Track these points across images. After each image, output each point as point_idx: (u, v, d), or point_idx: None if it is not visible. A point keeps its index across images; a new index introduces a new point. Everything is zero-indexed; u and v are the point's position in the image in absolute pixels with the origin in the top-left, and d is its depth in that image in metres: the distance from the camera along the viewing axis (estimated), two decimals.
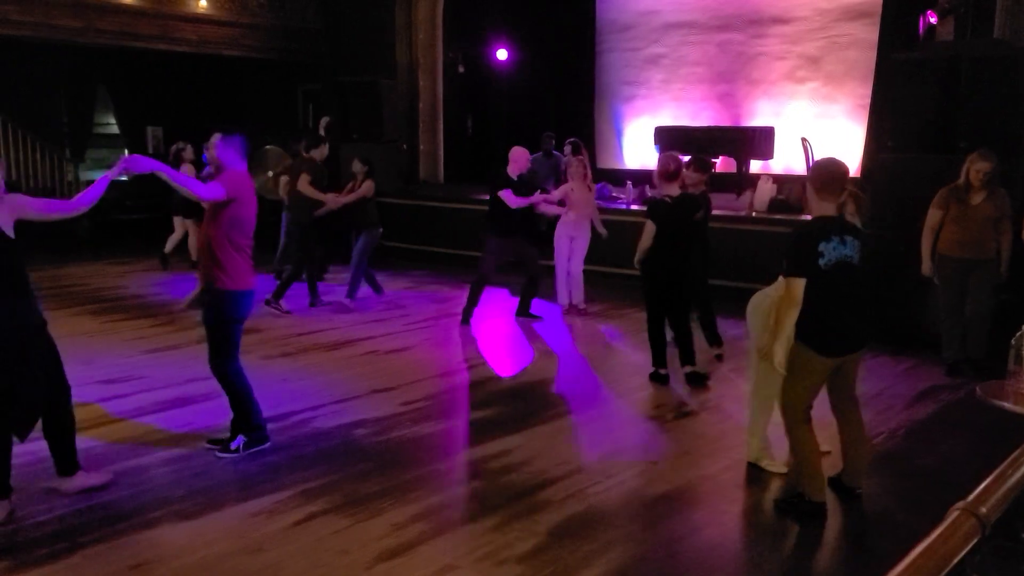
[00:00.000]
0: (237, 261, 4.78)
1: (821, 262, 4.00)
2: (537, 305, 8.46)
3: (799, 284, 3.98)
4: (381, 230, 9.06)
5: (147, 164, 4.47)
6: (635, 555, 3.87)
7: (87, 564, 3.70)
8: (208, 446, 4.99)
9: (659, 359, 6.47)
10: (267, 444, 5.01)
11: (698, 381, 6.41)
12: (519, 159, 8.10)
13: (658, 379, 6.45)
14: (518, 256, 8.27)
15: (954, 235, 6.49)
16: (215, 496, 4.37)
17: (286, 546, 3.87)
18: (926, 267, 6.64)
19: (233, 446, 4.91)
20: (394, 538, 3.94)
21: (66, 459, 4.35)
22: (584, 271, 8.65)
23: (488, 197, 8.29)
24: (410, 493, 4.42)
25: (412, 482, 4.57)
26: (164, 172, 4.52)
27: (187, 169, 9.91)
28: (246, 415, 4.95)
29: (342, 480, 4.58)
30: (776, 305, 4.17)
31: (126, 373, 6.50)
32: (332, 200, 8.78)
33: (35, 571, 3.63)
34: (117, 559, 3.73)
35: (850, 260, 4.09)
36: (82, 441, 4.65)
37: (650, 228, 6.25)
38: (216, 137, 4.99)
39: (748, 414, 4.91)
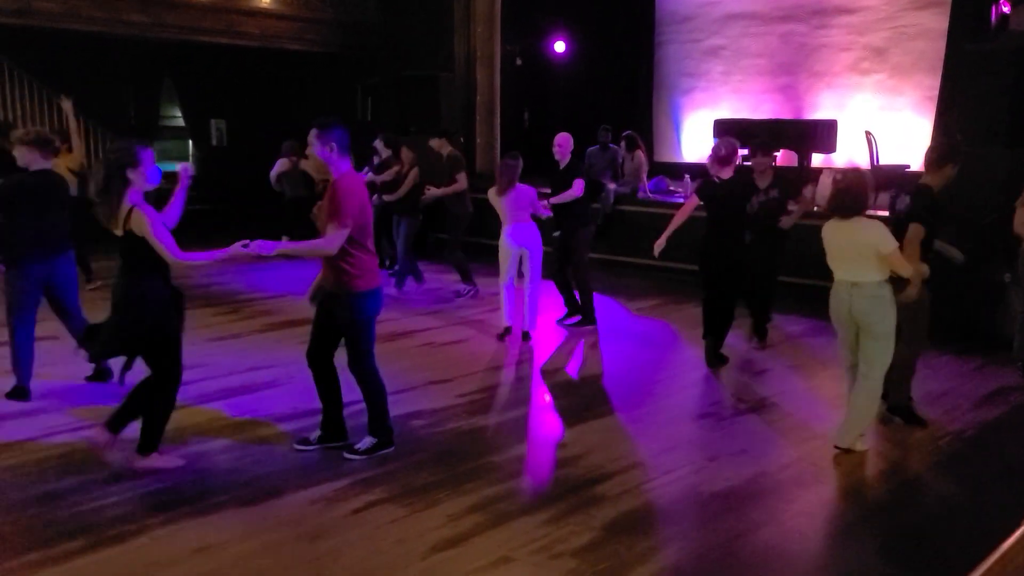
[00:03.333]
0: (364, 261, 4.67)
1: None
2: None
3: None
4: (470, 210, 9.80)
5: (270, 247, 4.32)
6: (691, 553, 3.84)
7: (154, 545, 3.81)
8: (299, 447, 4.89)
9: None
10: (391, 448, 4.86)
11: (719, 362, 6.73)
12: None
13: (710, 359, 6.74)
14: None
15: None
16: (276, 483, 4.46)
17: (344, 534, 3.94)
18: None
19: (361, 447, 4.82)
20: (450, 528, 3.98)
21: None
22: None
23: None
24: (466, 484, 4.46)
25: (468, 473, 4.61)
26: (286, 248, 4.59)
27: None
28: (380, 415, 4.87)
29: (399, 470, 4.63)
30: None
31: (190, 361, 6.53)
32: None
33: (105, 551, 3.74)
34: (182, 542, 3.83)
35: None
36: None
37: (690, 203, 6.70)
38: (313, 134, 4.54)
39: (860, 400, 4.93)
